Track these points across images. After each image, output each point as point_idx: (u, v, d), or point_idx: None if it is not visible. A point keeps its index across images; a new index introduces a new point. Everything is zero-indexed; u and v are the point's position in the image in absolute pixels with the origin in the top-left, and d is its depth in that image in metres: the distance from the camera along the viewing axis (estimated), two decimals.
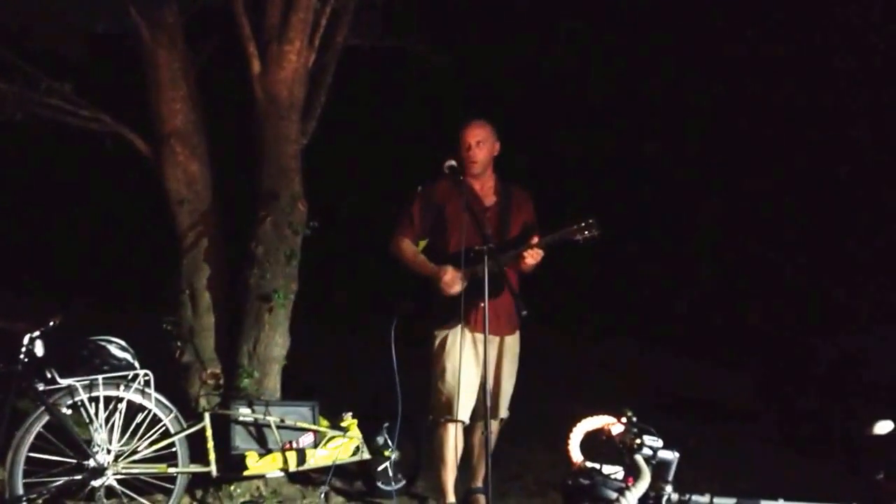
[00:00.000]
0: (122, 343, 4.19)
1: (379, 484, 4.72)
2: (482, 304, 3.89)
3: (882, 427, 2.77)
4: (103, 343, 4.15)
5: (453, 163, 4.12)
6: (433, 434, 4.32)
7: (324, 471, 4.53)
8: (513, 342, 4.38)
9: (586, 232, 4.03)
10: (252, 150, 4.74)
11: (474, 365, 4.18)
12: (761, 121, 7.96)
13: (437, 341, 4.27)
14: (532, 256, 4.12)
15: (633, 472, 2.71)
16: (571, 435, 3.02)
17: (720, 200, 8.21)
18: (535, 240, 4.13)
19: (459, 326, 4.16)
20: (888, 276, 7.32)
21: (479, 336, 4.14)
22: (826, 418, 6.07)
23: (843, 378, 6.75)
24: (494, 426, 4.37)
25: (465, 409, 4.20)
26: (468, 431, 4.37)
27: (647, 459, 2.68)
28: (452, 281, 4.13)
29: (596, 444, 2.92)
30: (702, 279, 8.38)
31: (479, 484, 4.43)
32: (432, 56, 5.69)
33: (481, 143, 4.26)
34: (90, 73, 4.77)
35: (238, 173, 4.90)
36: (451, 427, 4.24)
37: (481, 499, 4.39)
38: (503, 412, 4.39)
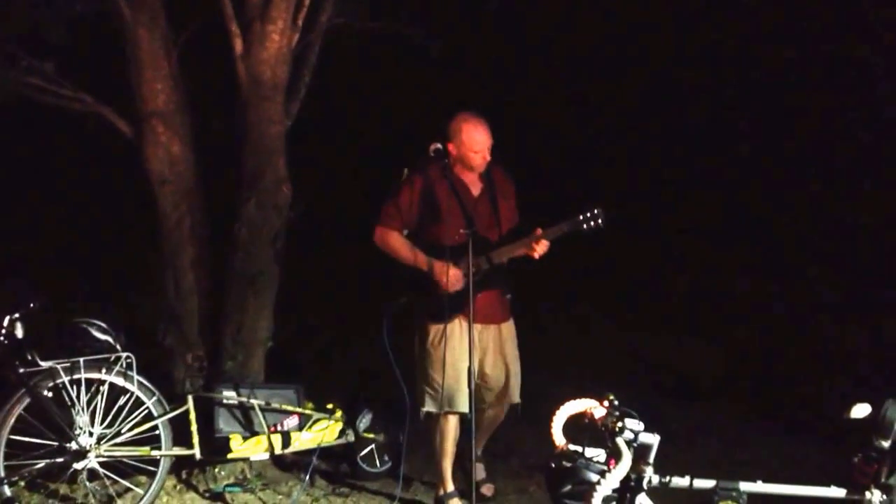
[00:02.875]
0: (104, 325, 4.16)
1: (364, 466, 4.73)
2: (479, 296, 4.03)
3: (859, 410, 2.80)
4: (85, 325, 4.12)
5: (439, 146, 4.11)
6: (433, 426, 4.30)
7: (308, 453, 4.53)
8: (509, 328, 4.40)
9: (591, 222, 4.04)
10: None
11: (472, 355, 4.16)
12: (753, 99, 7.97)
13: (434, 334, 4.22)
14: (541, 248, 4.11)
15: (614, 455, 2.72)
16: (554, 418, 3.03)
17: (706, 177, 8.20)
18: (539, 231, 4.12)
19: (457, 319, 4.15)
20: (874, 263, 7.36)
21: (475, 325, 4.16)
22: (805, 401, 6.12)
23: (823, 360, 6.80)
24: (503, 411, 4.41)
25: (467, 400, 4.14)
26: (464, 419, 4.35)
27: (629, 442, 2.68)
28: (456, 279, 4.12)
29: (579, 427, 2.93)
30: (689, 257, 8.39)
31: (479, 452, 4.44)
32: (422, 39, 5.64)
33: (490, 147, 4.25)
34: (71, 54, 4.71)
35: (222, 154, 4.86)
36: (452, 419, 4.25)
37: (481, 470, 4.44)
38: (516, 397, 4.37)
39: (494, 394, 4.37)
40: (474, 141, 4.20)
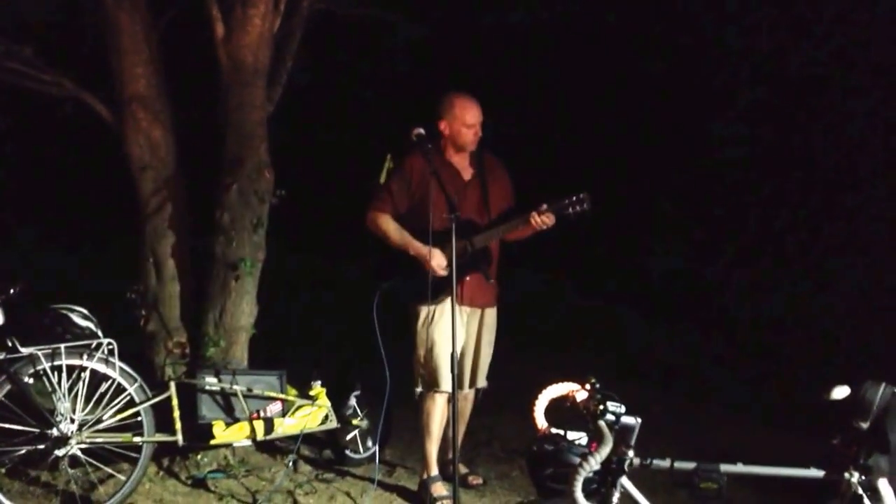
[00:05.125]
0: (85, 311, 4.12)
1: (347, 452, 4.73)
2: (467, 279, 4.14)
3: (839, 392, 2.83)
4: (65, 311, 4.08)
5: (422, 131, 4.08)
6: (420, 406, 4.34)
7: (292, 440, 4.53)
8: (492, 314, 4.45)
9: (577, 207, 4.09)
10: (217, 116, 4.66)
11: (458, 337, 4.19)
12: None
13: (423, 315, 4.28)
14: (546, 220, 4.12)
15: (596, 438, 2.74)
16: (537, 402, 3.05)
17: (690, 164, 8.25)
18: (544, 206, 4.14)
19: (445, 301, 4.16)
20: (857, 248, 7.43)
21: (464, 308, 4.29)
22: (785, 385, 6.18)
23: (803, 345, 6.88)
24: (471, 395, 4.48)
25: (449, 380, 4.16)
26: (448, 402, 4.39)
27: (610, 425, 2.71)
28: (440, 264, 4.15)
29: (561, 411, 2.95)
30: (676, 245, 8.43)
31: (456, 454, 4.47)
32: (405, 25, 5.62)
33: (481, 123, 4.27)
34: (51, 38, 4.66)
35: (203, 140, 4.82)
36: (439, 399, 4.29)
37: (462, 468, 4.46)
38: (482, 381, 4.47)
39: (467, 377, 4.43)
40: (467, 114, 4.23)
